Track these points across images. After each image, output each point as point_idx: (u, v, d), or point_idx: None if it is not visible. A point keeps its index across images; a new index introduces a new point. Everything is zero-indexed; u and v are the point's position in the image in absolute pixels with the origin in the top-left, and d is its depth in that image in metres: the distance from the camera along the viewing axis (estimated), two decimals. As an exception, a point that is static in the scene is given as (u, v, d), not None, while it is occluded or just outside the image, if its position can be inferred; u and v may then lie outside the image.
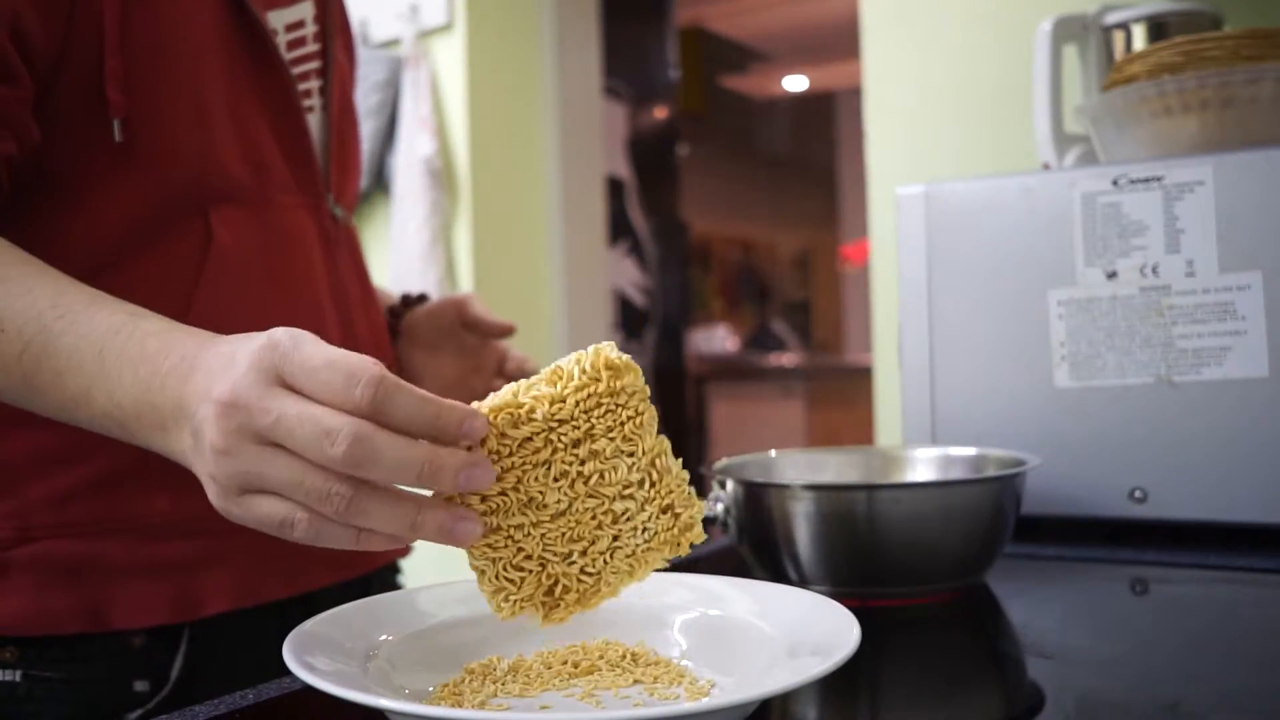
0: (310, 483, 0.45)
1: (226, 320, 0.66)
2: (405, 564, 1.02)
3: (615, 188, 3.16)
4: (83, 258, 0.68)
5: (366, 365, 0.45)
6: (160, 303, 0.61)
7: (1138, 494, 0.86)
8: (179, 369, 0.51)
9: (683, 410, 3.87)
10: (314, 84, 0.83)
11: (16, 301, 0.58)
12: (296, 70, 0.81)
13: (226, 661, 0.75)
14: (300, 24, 0.82)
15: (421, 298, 0.99)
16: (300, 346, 0.46)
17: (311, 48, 0.83)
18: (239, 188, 0.74)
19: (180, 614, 0.73)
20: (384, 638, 0.52)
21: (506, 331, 0.93)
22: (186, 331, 0.53)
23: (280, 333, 0.47)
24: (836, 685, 0.54)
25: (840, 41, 2.24)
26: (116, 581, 0.71)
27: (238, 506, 0.47)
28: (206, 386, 0.48)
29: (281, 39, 0.80)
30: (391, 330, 0.96)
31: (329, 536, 0.46)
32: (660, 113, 3.80)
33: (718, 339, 5.04)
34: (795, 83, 5.52)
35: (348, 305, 0.84)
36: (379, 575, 0.89)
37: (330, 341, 0.79)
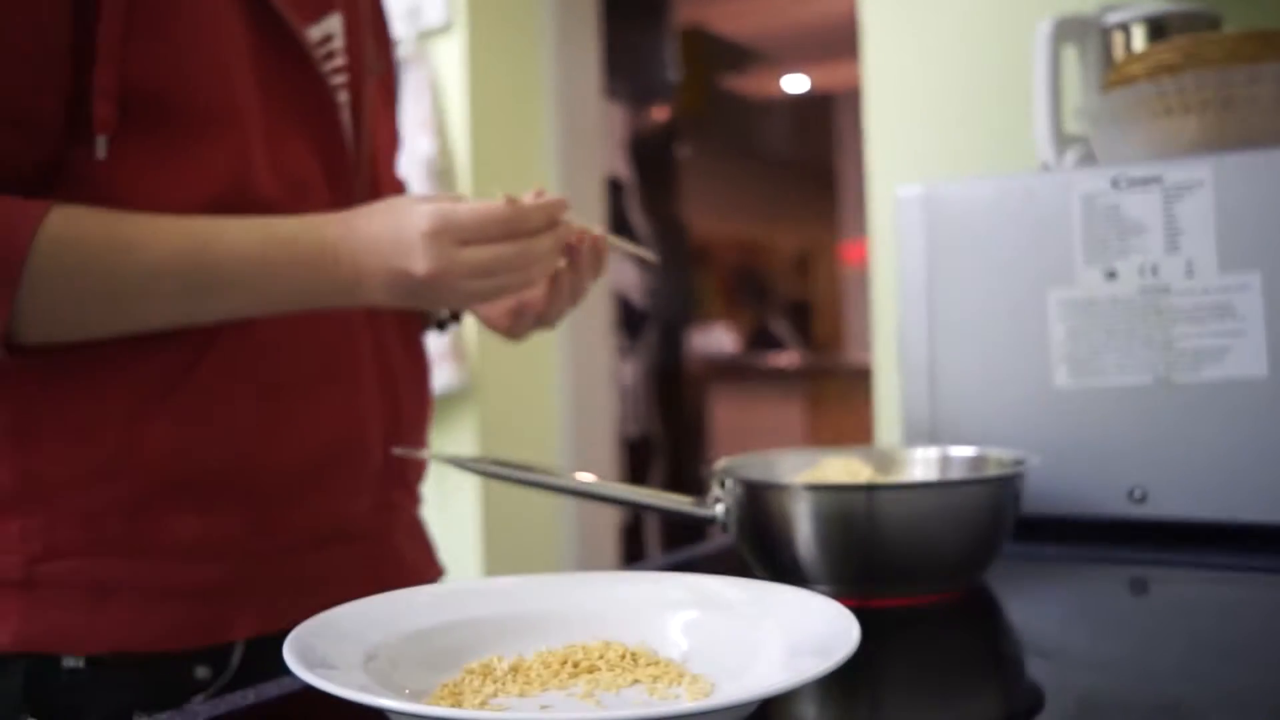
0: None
1: (234, 395, 0.69)
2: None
3: (615, 188, 3.15)
4: None
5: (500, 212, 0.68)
6: (165, 356, 0.67)
7: (1137, 494, 0.86)
8: (344, 276, 0.68)
9: (683, 410, 3.87)
10: (343, 98, 0.80)
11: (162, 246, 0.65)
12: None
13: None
14: (329, 39, 0.79)
15: (455, 317, 0.95)
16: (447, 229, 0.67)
17: (340, 61, 0.80)
18: (273, 210, 0.71)
19: (204, 638, 0.72)
20: (384, 638, 0.52)
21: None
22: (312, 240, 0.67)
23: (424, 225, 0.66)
24: (836, 685, 0.54)
25: (840, 42, 2.24)
26: (142, 602, 0.71)
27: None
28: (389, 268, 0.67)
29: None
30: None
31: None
32: (660, 113, 3.80)
33: (717, 339, 5.04)
34: (795, 83, 5.53)
35: (393, 378, 0.81)
36: None
37: (373, 431, 0.82)
